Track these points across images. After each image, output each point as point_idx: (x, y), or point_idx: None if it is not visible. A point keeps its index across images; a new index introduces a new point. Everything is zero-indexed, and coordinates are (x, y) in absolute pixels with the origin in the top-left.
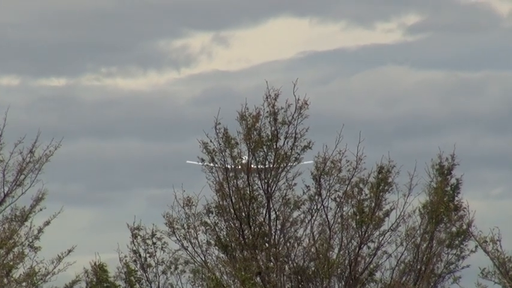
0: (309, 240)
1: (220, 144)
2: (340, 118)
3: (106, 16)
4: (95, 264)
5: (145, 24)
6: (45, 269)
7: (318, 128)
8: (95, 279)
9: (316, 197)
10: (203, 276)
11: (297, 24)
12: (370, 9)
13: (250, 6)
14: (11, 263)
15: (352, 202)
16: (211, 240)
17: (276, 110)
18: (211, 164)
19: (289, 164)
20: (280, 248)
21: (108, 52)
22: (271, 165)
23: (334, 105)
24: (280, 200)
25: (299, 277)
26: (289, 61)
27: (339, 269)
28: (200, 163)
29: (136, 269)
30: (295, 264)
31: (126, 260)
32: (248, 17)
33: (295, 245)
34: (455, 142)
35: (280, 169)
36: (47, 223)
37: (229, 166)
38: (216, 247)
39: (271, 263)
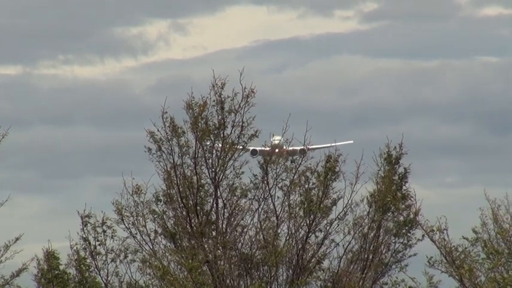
0: (256, 228)
1: (167, 133)
2: (293, 106)
3: (63, 3)
4: (46, 251)
5: (103, 11)
6: None
7: (269, 117)
8: (46, 267)
9: (263, 186)
10: (150, 264)
11: (254, 12)
12: None
13: None
14: None
15: (300, 191)
16: (158, 229)
17: (223, 99)
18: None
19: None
20: (227, 236)
21: (65, 39)
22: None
23: (287, 94)
24: (228, 189)
25: (246, 265)
26: (243, 49)
27: (286, 258)
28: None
29: (86, 256)
30: (242, 253)
31: (76, 248)
32: (206, 4)
33: (242, 233)
34: (405, 131)
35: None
36: None
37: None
38: (163, 236)
39: (219, 251)
